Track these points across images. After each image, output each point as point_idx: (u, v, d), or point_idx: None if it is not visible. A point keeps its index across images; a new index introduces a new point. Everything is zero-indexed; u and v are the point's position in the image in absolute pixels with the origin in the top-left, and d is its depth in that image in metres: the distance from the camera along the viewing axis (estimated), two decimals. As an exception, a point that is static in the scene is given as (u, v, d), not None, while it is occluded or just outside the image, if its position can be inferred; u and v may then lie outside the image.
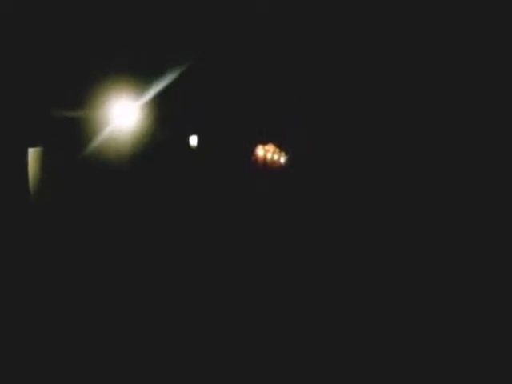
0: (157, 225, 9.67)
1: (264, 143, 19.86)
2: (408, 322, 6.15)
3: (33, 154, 7.90)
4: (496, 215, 10.28)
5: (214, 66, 12.27)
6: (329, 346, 5.47)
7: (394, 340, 5.66)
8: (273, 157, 21.20)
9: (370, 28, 12.15)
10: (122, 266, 7.62)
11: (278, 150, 21.44)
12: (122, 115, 8.80)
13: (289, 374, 4.88)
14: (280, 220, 13.39)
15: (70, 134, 8.22)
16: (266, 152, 20.45)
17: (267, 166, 20.39)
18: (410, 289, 7.42)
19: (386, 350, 5.39)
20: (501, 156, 11.15)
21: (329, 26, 12.34)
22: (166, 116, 10.44)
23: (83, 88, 8.06)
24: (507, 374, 4.94)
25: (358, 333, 5.82)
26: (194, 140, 13.62)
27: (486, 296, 7.01)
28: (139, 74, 8.81)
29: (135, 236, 8.81)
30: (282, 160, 22.15)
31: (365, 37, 12.46)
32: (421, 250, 9.42)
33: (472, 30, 11.04)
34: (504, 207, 10.35)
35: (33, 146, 7.84)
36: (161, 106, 9.74)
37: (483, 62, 11.17)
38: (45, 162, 8.01)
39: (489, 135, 11.39)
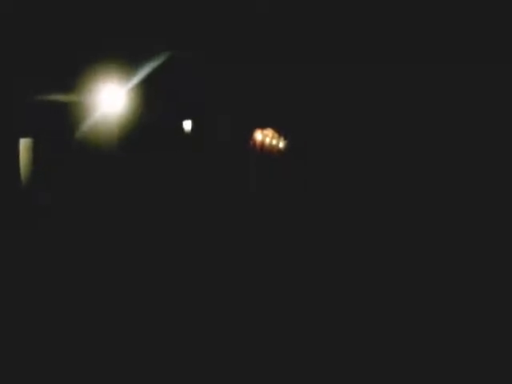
0: (152, 214, 9.61)
1: (262, 128, 19.43)
2: (408, 322, 6.16)
3: (24, 143, 7.87)
4: (496, 215, 10.31)
5: (209, 50, 12.09)
6: (329, 346, 5.49)
7: (394, 340, 5.69)
8: (271, 142, 20.79)
9: (367, 19, 12.12)
10: (115, 256, 7.59)
11: (276, 134, 20.99)
12: (110, 100, 8.72)
13: (289, 374, 4.89)
14: (279, 209, 13.31)
15: (59, 120, 8.20)
16: (264, 137, 20.04)
17: (265, 151, 20.08)
18: (409, 288, 7.45)
19: (386, 350, 5.41)
20: (501, 156, 11.19)
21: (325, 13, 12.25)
22: (155, 100, 10.28)
23: (71, 74, 8.09)
24: (507, 374, 4.97)
25: (358, 333, 5.84)
26: (188, 125, 13.35)
27: (486, 296, 7.03)
28: (126, 59, 8.72)
29: (128, 225, 8.76)
30: (281, 145, 21.73)
31: (362, 25, 12.40)
32: (420, 248, 9.43)
33: (472, 29, 11.10)
34: (504, 207, 10.39)
35: (24, 136, 7.85)
36: (149, 91, 9.62)
37: (483, 62, 11.16)
38: (36, 151, 7.97)
39: (489, 135, 11.41)
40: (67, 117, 8.30)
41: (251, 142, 19.06)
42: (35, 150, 8.00)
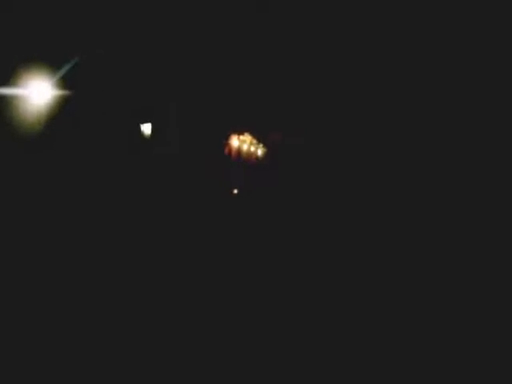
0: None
1: (239, 133, 18.25)
2: (408, 322, 6.24)
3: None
4: (496, 215, 10.33)
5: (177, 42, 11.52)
6: (329, 346, 5.57)
7: (394, 340, 5.75)
8: (249, 148, 19.39)
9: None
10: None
11: (255, 141, 19.70)
12: (37, 93, 8.56)
13: (289, 374, 4.97)
14: (257, 220, 12.71)
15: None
16: (241, 143, 18.74)
17: (242, 159, 18.67)
18: (409, 288, 7.52)
19: (386, 350, 5.48)
20: (501, 156, 11.15)
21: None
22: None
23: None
24: (507, 374, 5.04)
25: (358, 333, 5.92)
26: (147, 128, 11.42)
27: (486, 296, 7.13)
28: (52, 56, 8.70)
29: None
30: (260, 152, 20.30)
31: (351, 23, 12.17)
32: (419, 249, 9.46)
33: (472, 30, 11.03)
34: (504, 207, 10.43)
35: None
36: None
37: (483, 62, 11.15)
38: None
39: (489, 135, 11.35)
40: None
41: (226, 149, 17.64)
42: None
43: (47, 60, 8.57)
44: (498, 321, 6.31)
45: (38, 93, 8.38)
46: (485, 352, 5.46)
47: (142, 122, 11.28)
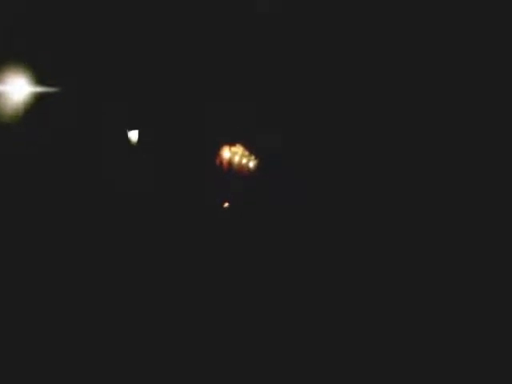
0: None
1: (231, 144, 17.84)
2: (408, 322, 6.27)
3: None
4: (496, 215, 10.37)
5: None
6: (329, 346, 5.58)
7: (394, 340, 5.76)
8: (241, 160, 18.93)
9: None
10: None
11: (246, 152, 19.27)
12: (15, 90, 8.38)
13: (289, 374, 4.96)
14: (249, 233, 12.55)
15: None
16: (233, 155, 18.30)
17: (234, 171, 18.24)
18: (409, 289, 7.59)
19: (386, 350, 5.47)
20: (501, 156, 11.16)
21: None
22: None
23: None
24: (507, 374, 5.05)
25: (358, 333, 5.94)
26: (134, 135, 10.94)
27: (486, 296, 7.22)
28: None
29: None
30: (252, 164, 19.85)
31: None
32: (419, 251, 9.52)
33: (472, 30, 11.09)
34: (504, 207, 10.45)
35: None
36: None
37: (483, 62, 11.20)
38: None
39: (489, 135, 11.36)
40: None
41: (217, 161, 17.19)
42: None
43: (24, 57, 8.31)
44: (498, 320, 6.38)
45: (15, 89, 8.17)
46: (485, 352, 5.51)
47: (129, 129, 10.80)
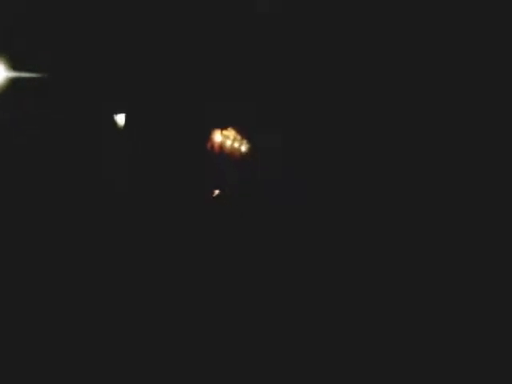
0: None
1: (223, 128, 17.60)
2: (408, 323, 6.28)
3: None
4: (496, 215, 10.43)
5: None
6: (329, 346, 5.57)
7: (394, 340, 5.77)
8: (233, 144, 18.70)
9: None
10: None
11: (239, 136, 19.02)
12: None
13: (289, 374, 4.96)
14: (241, 220, 12.66)
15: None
16: (224, 138, 18.03)
17: (225, 155, 17.97)
18: (409, 289, 7.60)
19: (386, 350, 5.49)
20: (501, 156, 11.23)
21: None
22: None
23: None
24: (507, 374, 5.05)
25: (358, 333, 5.94)
26: (121, 118, 10.65)
27: (486, 296, 7.24)
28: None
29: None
30: (244, 148, 19.62)
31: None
32: (419, 251, 9.49)
33: (472, 30, 11.13)
34: (504, 207, 10.51)
35: None
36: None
37: (483, 62, 11.23)
38: None
39: (489, 135, 11.42)
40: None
41: (209, 144, 16.93)
42: None
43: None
44: (498, 320, 6.40)
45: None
46: (485, 351, 5.51)
47: (117, 112, 10.51)
